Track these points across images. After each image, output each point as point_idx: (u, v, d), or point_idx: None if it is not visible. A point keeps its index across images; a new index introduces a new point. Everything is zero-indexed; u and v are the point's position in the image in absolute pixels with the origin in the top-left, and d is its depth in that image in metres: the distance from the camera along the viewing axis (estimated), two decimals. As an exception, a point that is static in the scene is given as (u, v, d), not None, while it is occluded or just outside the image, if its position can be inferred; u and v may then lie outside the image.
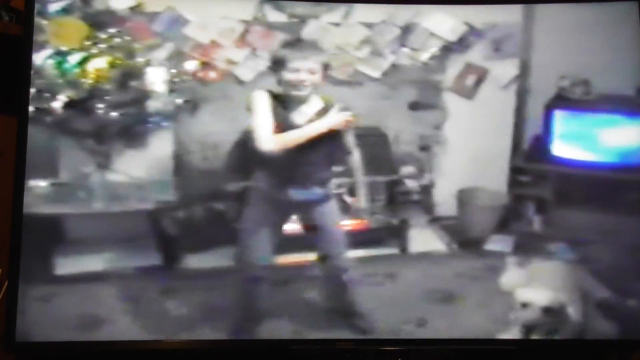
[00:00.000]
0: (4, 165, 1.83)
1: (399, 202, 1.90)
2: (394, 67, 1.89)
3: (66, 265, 1.76)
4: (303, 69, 1.82)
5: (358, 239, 1.85)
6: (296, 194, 1.83)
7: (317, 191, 1.84)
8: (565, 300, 1.77)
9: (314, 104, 1.83)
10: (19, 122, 1.74)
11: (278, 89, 1.83)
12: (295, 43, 1.85)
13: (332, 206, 1.85)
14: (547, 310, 1.75)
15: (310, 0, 1.88)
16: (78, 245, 1.77)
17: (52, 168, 1.77)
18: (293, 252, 1.84)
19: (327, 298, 1.82)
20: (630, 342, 1.83)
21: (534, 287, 1.78)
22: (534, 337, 1.77)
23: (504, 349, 1.80)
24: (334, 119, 1.83)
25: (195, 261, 1.80)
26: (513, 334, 1.78)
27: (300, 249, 1.85)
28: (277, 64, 1.83)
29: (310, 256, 1.83)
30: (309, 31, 1.86)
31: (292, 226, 1.87)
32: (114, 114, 1.79)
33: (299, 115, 1.83)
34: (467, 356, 1.84)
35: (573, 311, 1.77)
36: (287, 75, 1.82)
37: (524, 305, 1.76)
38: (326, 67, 1.85)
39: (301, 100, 1.82)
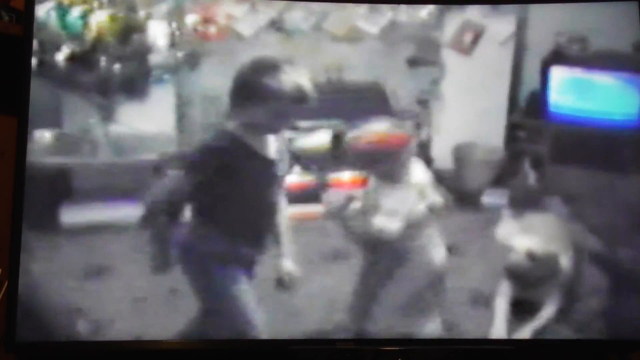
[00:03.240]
0: (4, 165, 1.84)
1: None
2: (392, 23, 1.90)
3: (70, 216, 1.78)
4: None
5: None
6: None
7: None
8: (556, 250, 1.81)
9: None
10: (19, 122, 1.74)
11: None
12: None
13: None
14: (532, 256, 1.79)
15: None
16: (82, 195, 1.79)
17: (56, 120, 1.79)
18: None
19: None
20: (630, 342, 1.83)
21: (523, 235, 1.81)
22: (521, 285, 1.80)
23: (503, 349, 1.81)
24: None
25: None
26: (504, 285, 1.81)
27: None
28: None
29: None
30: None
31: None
32: (116, 67, 1.81)
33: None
34: (467, 356, 1.84)
35: (564, 261, 1.81)
36: None
37: (509, 249, 1.80)
38: None
39: None
